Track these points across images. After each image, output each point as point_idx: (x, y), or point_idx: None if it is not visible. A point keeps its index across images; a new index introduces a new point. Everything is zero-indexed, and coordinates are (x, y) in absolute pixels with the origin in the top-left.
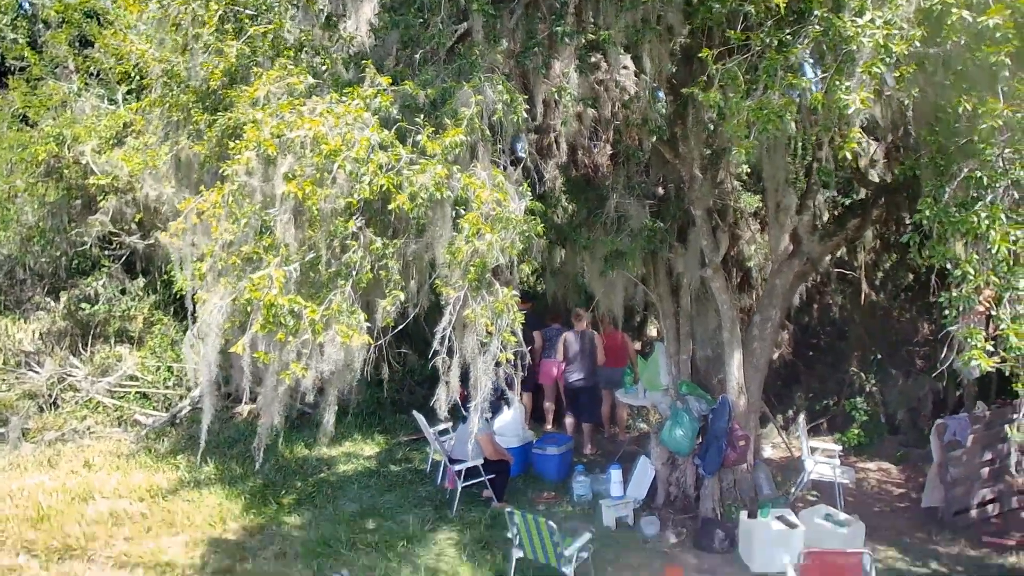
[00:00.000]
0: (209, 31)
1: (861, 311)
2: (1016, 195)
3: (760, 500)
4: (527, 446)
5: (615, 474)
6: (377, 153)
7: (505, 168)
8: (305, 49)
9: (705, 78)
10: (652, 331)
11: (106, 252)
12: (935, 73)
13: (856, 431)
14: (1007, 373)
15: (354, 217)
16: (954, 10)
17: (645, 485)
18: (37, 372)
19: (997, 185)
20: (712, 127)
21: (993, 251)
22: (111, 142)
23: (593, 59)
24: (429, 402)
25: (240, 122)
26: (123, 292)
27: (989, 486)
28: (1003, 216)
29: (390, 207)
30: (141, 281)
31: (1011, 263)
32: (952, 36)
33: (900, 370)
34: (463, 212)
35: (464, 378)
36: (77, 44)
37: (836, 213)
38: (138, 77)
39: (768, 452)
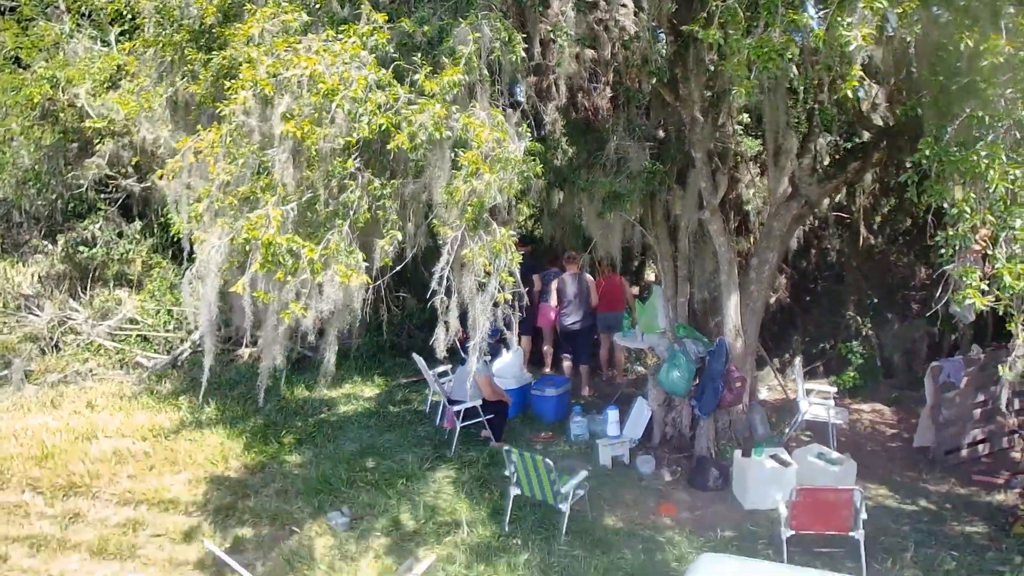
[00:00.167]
0: None
1: (859, 255)
2: (1017, 135)
3: (755, 440)
4: (525, 387)
5: (612, 414)
6: (375, 92)
7: (504, 109)
8: None
9: (705, 15)
10: (650, 275)
11: (102, 195)
12: (938, 9)
13: (851, 374)
14: (1000, 313)
15: (352, 157)
16: None
17: (641, 425)
18: (37, 315)
19: (998, 125)
20: (713, 68)
21: (991, 190)
22: (105, 85)
23: None
24: (428, 345)
25: (235, 61)
26: (120, 235)
27: (981, 427)
28: (1003, 156)
29: (389, 147)
30: (138, 224)
31: (1008, 202)
32: None
33: (896, 314)
34: (461, 153)
35: (463, 319)
36: None
37: (837, 157)
38: (130, 16)
39: (764, 394)
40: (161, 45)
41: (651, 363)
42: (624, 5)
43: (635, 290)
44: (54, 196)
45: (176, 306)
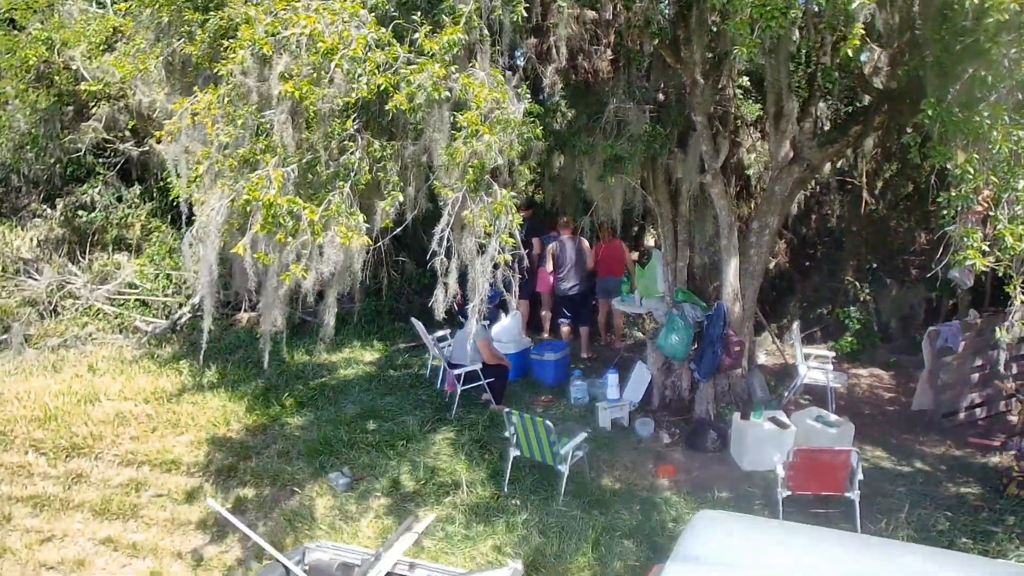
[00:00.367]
0: None
1: (859, 220)
2: (1020, 95)
3: (754, 403)
4: (524, 352)
5: (611, 378)
6: (374, 52)
7: (504, 71)
8: None
9: None
10: (649, 241)
11: (100, 160)
12: None
13: (849, 339)
14: (1000, 274)
15: (352, 118)
16: None
17: (641, 389)
18: (36, 279)
19: (1001, 85)
20: (715, 29)
21: (994, 151)
22: (101, 47)
23: None
24: (427, 310)
25: (233, 21)
26: (119, 200)
27: (978, 390)
28: (1006, 117)
29: (387, 107)
30: (137, 188)
31: (1011, 163)
32: None
33: (895, 279)
34: (460, 116)
35: (462, 283)
36: None
37: (838, 121)
38: None
39: (762, 359)
40: (157, 6)
41: (649, 328)
42: None
43: (634, 255)
44: (52, 160)
45: (175, 270)
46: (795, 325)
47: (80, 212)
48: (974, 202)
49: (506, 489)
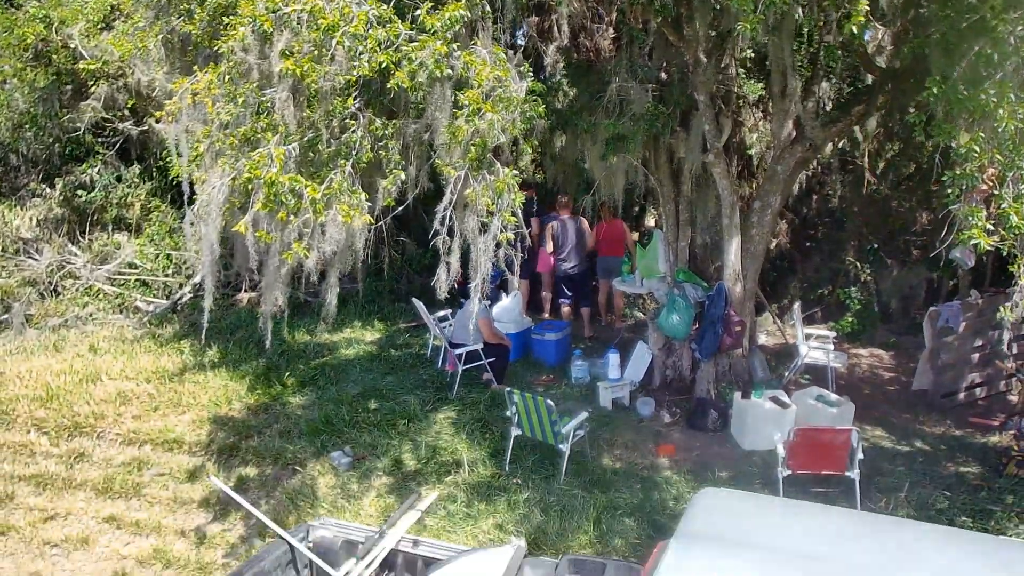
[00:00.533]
0: None
1: (860, 200)
2: None
3: (755, 383)
4: (525, 332)
5: (613, 358)
6: (376, 29)
7: (506, 49)
8: None
9: None
10: (650, 221)
11: (99, 139)
12: None
13: (849, 319)
14: (1004, 254)
15: (353, 96)
16: None
17: (642, 369)
18: (36, 259)
19: (1007, 63)
20: (718, 7)
21: (1000, 129)
22: (99, 25)
23: None
24: (427, 291)
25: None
26: (119, 179)
27: (978, 371)
28: (1012, 95)
29: (389, 85)
30: (137, 168)
31: (1016, 142)
32: None
33: (896, 259)
34: (462, 95)
35: (464, 262)
36: None
37: (840, 100)
38: None
39: (763, 339)
40: None
41: (650, 308)
42: None
43: (635, 236)
44: (51, 139)
45: (175, 250)
46: (796, 305)
47: (79, 192)
48: (979, 181)
49: (507, 468)
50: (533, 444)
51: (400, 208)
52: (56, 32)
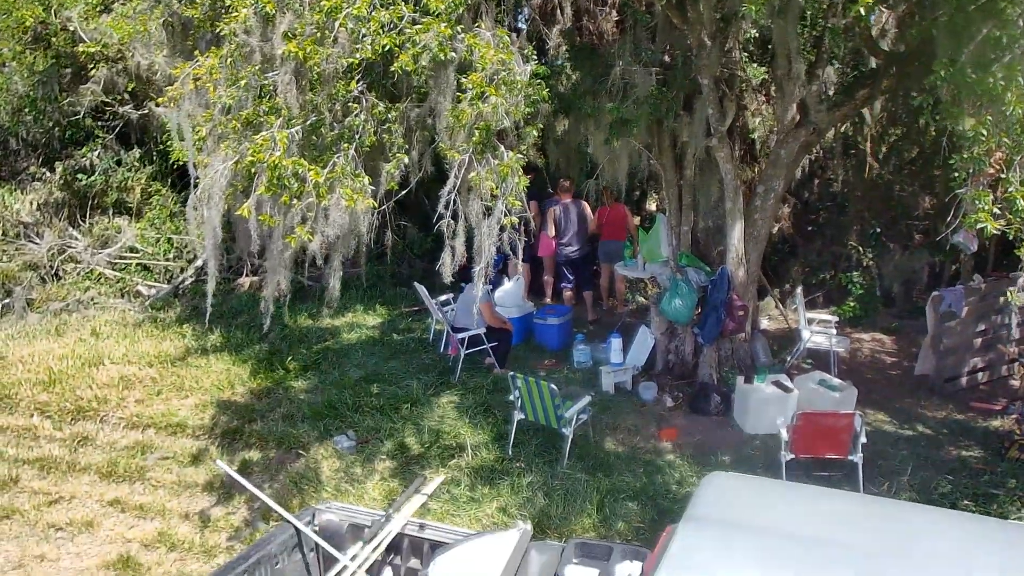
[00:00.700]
0: None
1: (863, 185)
2: None
3: (757, 367)
4: (527, 317)
5: (615, 342)
6: (379, 11)
7: (509, 32)
8: None
9: None
10: (651, 205)
11: (99, 123)
12: None
13: (851, 304)
14: (1011, 237)
15: (356, 79)
16: None
17: (644, 353)
18: (37, 243)
19: (1016, 45)
20: None
21: (1008, 113)
22: (98, 8)
23: None
24: (429, 275)
25: None
26: (119, 163)
27: (980, 355)
28: (1020, 78)
29: (392, 68)
30: (137, 152)
31: None
32: None
33: (898, 244)
34: (465, 79)
35: (467, 246)
36: None
37: (844, 84)
38: None
39: (765, 324)
40: None
41: (651, 292)
42: None
43: (636, 220)
44: (51, 123)
45: (176, 234)
46: (798, 290)
47: (79, 175)
48: (986, 164)
49: (510, 452)
50: (536, 428)
51: (403, 192)
52: (55, 15)
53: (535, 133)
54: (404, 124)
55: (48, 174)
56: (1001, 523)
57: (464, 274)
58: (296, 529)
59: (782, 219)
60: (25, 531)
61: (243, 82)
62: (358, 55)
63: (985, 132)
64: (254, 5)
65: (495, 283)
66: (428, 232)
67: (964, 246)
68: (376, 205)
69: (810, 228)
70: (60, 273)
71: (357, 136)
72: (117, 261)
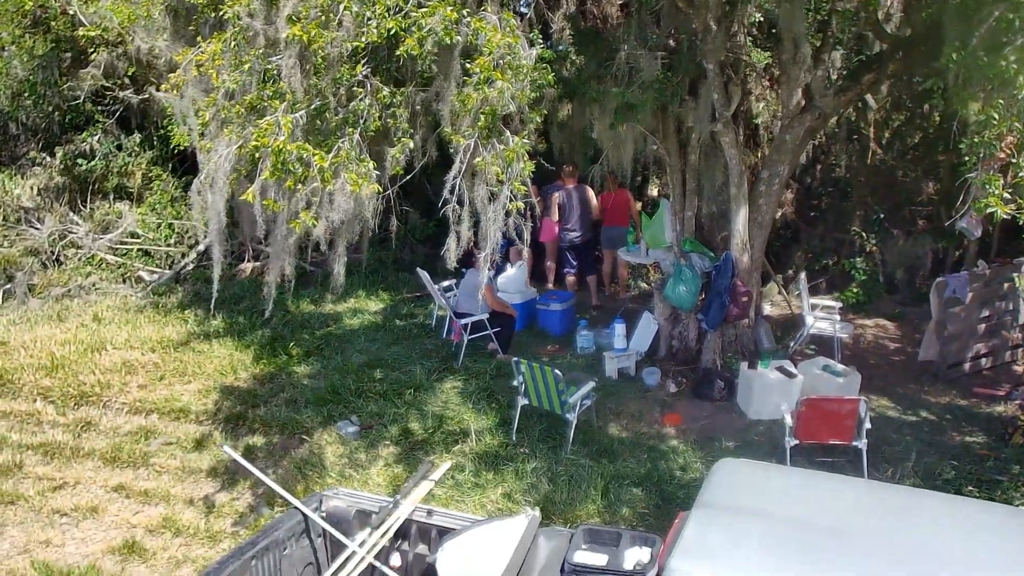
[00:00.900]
0: None
1: (866, 170)
2: None
3: (761, 353)
4: (530, 302)
5: (619, 328)
6: None
7: (515, 15)
8: None
9: None
10: (652, 191)
11: (100, 108)
12: None
13: (855, 290)
14: (1021, 223)
15: (360, 63)
16: None
17: (648, 339)
18: (38, 228)
19: None
20: None
21: (1020, 97)
22: None
23: None
24: (431, 261)
25: None
26: (119, 148)
27: (984, 341)
28: None
29: (398, 52)
30: (137, 136)
31: None
32: None
33: (901, 230)
34: (471, 64)
35: (474, 230)
36: None
37: (848, 69)
38: None
39: (768, 310)
40: None
41: (654, 278)
42: None
43: (638, 205)
44: (51, 108)
45: (177, 219)
46: (802, 276)
47: (80, 160)
48: (997, 149)
49: (514, 438)
50: (540, 414)
51: (407, 178)
52: None
53: (538, 119)
54: (409, 108)
55: (48, 159)
56: (1010, 509)
57: (465, 260)
58: (304, 515)
59: (785, 204)
60: (30, 516)
61: (247, 66)
62: (363, 39)
63: (997, 116)
64: None
65: (498, 269)
66: (430, 217)
67: (968, 232)
68: (381, 190)
69: (813, 214)
70: (61, 259)
71: (362, 121)
72: (118, 246)
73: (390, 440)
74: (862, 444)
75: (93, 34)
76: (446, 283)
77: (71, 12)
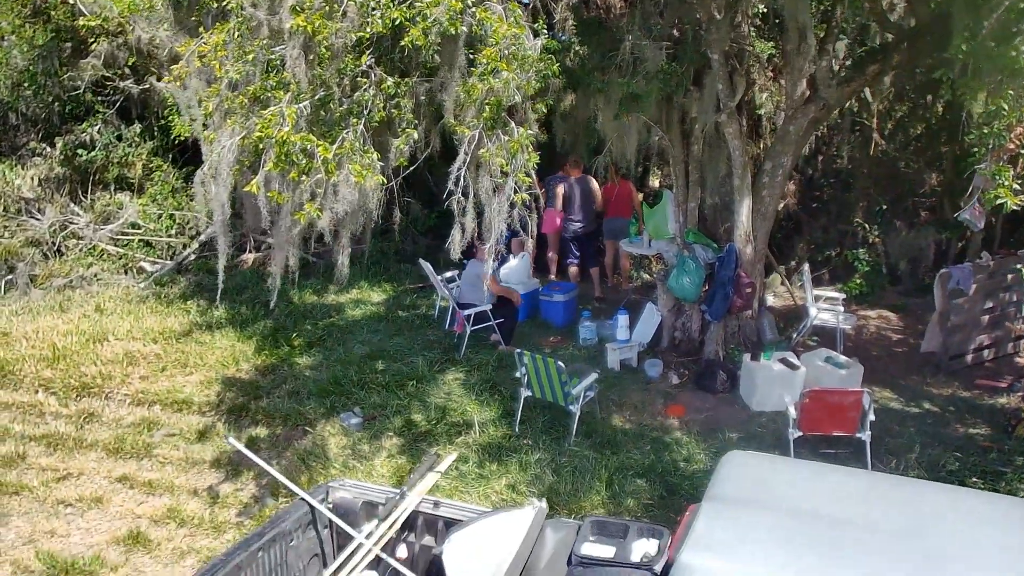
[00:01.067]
0: None
1: (869, 161)
2: None
3: (764, 344)
4: (533, 293)
5: (622, 319)
6: None
7: (519, 3)
8: None
9: None
10: (654, 182)
11: (100, 98)
12: None
13: (858, 281)
14: None
15: (365, 54)
16: None
17: (650, 330)
18: (39, 219)
19: None
20: None
21: None
22: None
23: None
24: (433, 252)
25: None
26: (119, 138)
27: (987, 332)
28: None
29: (403, 43)
30: (138, 127)
31: None
32: None
33: (904, 221)
34: (474, 56)
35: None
36: None
37: (852, 59)
38: None
39: (771, 301)
40: None
41: (657, 270)
42: None
43: (639, 196)
44: (51, 98)
45: (178, 210)
46: (805, 267)
47: (80, 151)
48: (1006, 140)
49: (517, 429)
50: (543, 405)
51: (410, 169)
52: None
53: (543, 109)
54: (413, 99)
55: (48, 149)
56: (1015, 501)
57: (467, 251)
58: (310, 506)
59: (787, 196)
60: (34, 507)
61: (250, 56)
62: (368, 29)
63: (1006, 107)
64: None
65: (501, 259)
66: (432, 209)
67: (971, 223)
68: (385, 181)
69: (815, 205)
70: (62, 249)
71: (366, 111)
72: (119, 237)
73: (393, 431)
74: (866, 436)
75: (93, 24)
76: (449, 274)
77: (71, 2)
